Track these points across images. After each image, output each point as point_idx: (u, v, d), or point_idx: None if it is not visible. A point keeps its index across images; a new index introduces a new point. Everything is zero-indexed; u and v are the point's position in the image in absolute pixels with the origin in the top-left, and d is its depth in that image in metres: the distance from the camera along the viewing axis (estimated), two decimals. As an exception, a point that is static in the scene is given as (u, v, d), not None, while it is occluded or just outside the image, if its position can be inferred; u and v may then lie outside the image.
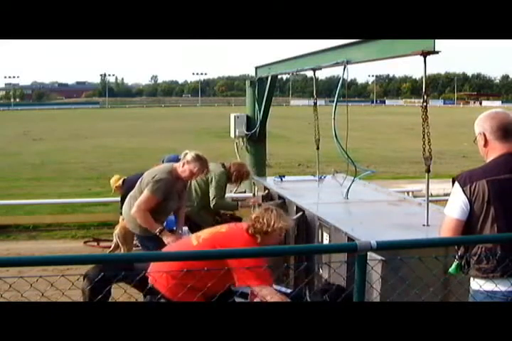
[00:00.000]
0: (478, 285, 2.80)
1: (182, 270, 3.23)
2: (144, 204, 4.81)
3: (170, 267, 3.39)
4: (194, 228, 4.93)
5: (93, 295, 3.97)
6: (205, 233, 3.93)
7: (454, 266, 2.89)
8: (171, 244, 4.46)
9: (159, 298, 3.58)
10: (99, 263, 3.40)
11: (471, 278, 2.87)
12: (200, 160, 4.94)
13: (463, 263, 2.86)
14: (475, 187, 2.79)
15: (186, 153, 5.01)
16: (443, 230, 2.90)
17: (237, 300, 3.70)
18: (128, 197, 5.17)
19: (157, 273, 3.60)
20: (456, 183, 2.86)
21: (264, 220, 3.76)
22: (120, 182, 8.52)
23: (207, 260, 2.99)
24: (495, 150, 2.90)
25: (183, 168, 4.92)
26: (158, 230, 4.81)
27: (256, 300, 3.74)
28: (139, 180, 5.08)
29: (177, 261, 3.17)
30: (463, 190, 2.82)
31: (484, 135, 2.91)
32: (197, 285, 3.21)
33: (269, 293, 3.53)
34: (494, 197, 2.77)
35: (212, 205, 6.09)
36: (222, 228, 4.02)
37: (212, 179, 6.09)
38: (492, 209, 2.77)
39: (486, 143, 2.92)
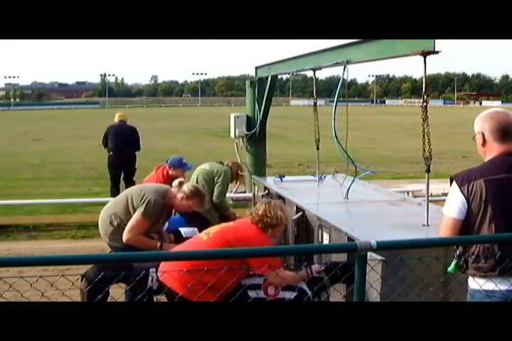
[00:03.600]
0: (478, 284, 2.81)
1: (191, 269, 3.31)
2: (136, 228, 4.60)
3: (181, 263, 3.47)
4: (204, 226, 4.93)
5: (92, 295, 3.97)
6: (213, 229, 4.08)
7: (452, 265, 2.89)
8: (184, 242, 4.48)
9: (168, 291, 3.59)
10: (99, 263, 3.40)
11: (470, 277, 2.88)
12: (200, 196, 4.78)
13: (461, 262, 2.87)
14: (472, 186, 2.79)
15: (181, 183, 4.78)
16: (441, 229, 2.91)
17: (250, 292, 3.71)
18: (107, 209, 4.93)
19: (167, 267, 3.71)
20: (454, 183, 2.86)
21: (272, 214, 3.94)
22: (117, 120, 9.88)
23: (210, 259, 3.01)
24: (493, 150, 2.90)
25: (180, 202, 4.72)
26: (158, 246, 4.65)
27: (270, 287, 3.78)
28: (125, 194, 4.88)
29: (182, 260, 3.22)
30: (460, 190, 2.82)
31: (483, 134, 2.91)
32: (208, 279, 3.28)
33: (283, 273, 3.74)
34: (491, 197, 2.77)
35: (218, 201, 6.35)
36: (230, 223, 4.26)
37: (218, 177, 6.38)
38: (489, 208, 2.77)
39: (484, 143, 2.92)
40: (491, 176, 2.81)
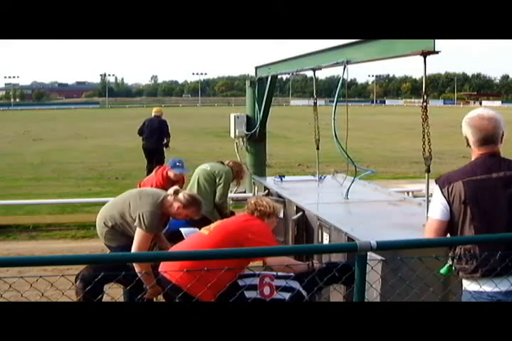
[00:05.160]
0: (464, 285, 2.85)
1: (191, 269, 3.31)
2: (143, 245, 4.48)
3: (182, 260, 3.45)
4: (205, 226, 4.93)
5: (89, 295, 3.97)
6: (214, 224, 4.23)
7: (445, 267, 2.90)
8: (186, 238, 4.49)
9: (169, 288, 3.59)
10: (98, 263, 3.39)
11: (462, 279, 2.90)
12: (197, 204, 4.69)
13: (454, 264, 2.88)
14: (452, 188, 2.83)
15: (177, 192, 4.68)
16: (426, 231, 2.94)
17: (247, 293, 3.71)
18: (104, 210, 4.92)
19: (169, 264, 3.77)
20: (436, 185, 2.90)
21: (265, 203, 4.13)
22: (153, 114, 12.71)
23: (210, 259, 3.00)
24: (475, 153, 2.94)
25: (177, 211, 4.63)
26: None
27: (266, 288, 3.79)
28: (124, 199, 4.83)
29: (180, 260, 3.23)
30: (442, 192, 2.86)
31: (466, 138, 2.96)
32: (208, 277, 3.28)
33: (282, 259, 3.81)
34: (470, 198, 2.79)
35: (220, 202, 6.36)
36: (228, 218, 4.47)
37: (220, 178, 6.36)
38: (469, 209, 2.79)
39: (468, 145, 2.98)
40: (471, 177, 2.83)
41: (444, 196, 2.84)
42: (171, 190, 4.74)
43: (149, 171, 11.77)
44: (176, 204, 4.61)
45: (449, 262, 2.88)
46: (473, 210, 2.79)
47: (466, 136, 2.96)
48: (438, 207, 2.87)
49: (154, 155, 12.18)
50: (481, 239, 2.84)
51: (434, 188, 2.91)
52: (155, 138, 12.30)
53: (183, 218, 4.84)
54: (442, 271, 2.90)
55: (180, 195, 4.63)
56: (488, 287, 2.74)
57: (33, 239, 8.44)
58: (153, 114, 12.74)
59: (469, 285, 2.82)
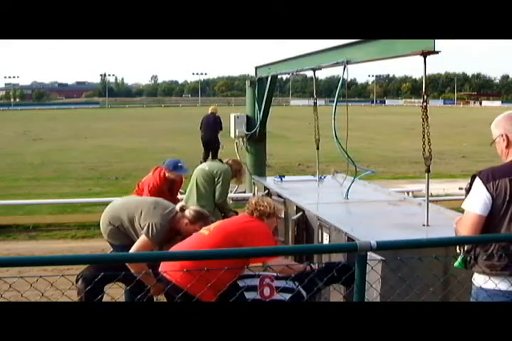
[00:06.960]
0: (483, 282, 2.81)
1: (191, 269, 3.35)
2: (142, 250, 4.48)
3: (183, 260, 3.47)
4: None
5: (90, 295, 3.97)
6: (213, 224, 4.24)
7: (459, 260, 2.87)
8: (187, 238, 4.50)
9: (170, 288, 3.59)
10: (98, 263, 3.39)
11: (475, 274, 2.87)
12: (204, 219, 4.71)
13: (469, 258, 2.85)
14: (498, 184, 2.79)
15: (182, 209, 4.75)
16: (464, 226, 2.86)
17: (247, 294, 3.71)
18: (113, 208, 4.99)
19: (169, 264, 3.77)
20: (479, 180, 2.84)
21: (265, 203, 4.14)
22: (209, 112, 14.98)
23: (205, 260, 3.01)
24: None
25: (185, 227, 4.67)
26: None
27: (266, 289, 3.79)
28: (137, 204, 4.89)
29: (179, 259, 3.23)
30: (486, 187, 2.81)
31: (507, 136, 2.92)
32: (208, 276, 3.32)
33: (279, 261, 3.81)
34: None
35: (220, 201, 6.33)
36: (228, 219, 4.48)
37: (219, 176, 6.33)
38: (511, 208, 2.77)
39: (508, 144, 2.92)
40: None
41: (489, 191, 2.79)
42: (177, 207, 4.80)
43: (204, 158, 14.43)
44: (183, 221, 4.70)
45: (462, 255, 2.86)
46: None
47: (504, 133, 2.92)
48: (481, 202, 2.81)
49: (210, 145, 14.64)
50: (482, 238, 2.83)
51: (476, 183, 2.85)
52: (210, 131, 14.63)
53: (192, 233, 4.84)
54: (456, 264, 2.88)
55: (187, 212, 4.72)
56: (510, 286, 2.72)
57: (33, 239, 8.44)
58: (209, 111, 15.11)
59: (488, 282, 2.79)
